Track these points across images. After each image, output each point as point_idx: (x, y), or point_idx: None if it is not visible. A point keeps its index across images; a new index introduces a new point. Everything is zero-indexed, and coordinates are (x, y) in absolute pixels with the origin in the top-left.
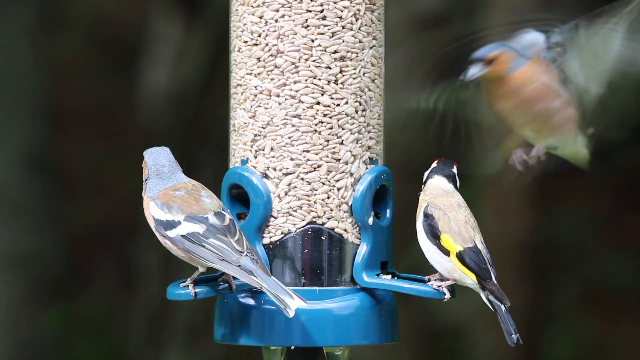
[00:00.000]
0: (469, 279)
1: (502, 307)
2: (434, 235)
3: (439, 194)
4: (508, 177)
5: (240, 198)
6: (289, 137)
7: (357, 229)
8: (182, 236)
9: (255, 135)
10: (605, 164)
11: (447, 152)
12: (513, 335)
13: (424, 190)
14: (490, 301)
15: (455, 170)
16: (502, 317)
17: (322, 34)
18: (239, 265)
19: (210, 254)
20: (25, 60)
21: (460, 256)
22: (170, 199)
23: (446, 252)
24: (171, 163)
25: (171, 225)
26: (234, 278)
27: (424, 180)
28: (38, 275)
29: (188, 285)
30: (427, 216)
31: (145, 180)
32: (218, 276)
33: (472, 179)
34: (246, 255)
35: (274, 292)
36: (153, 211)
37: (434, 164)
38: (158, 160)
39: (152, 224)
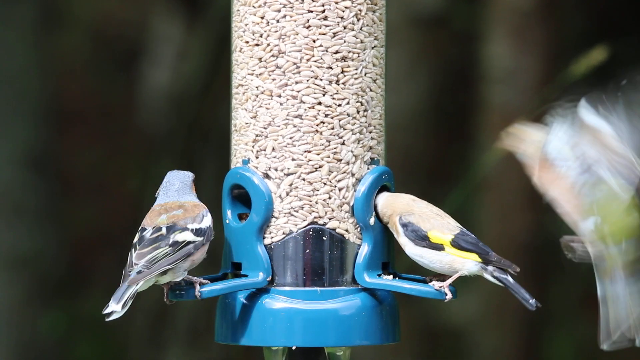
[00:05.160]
0: (471, 262)
1: (509, 278)
2: (422, 237)
3: (395, 202)
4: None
5: (241, 198)
6: (291, 138)
7: (359, 229)
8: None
9: (257, 135)
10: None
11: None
12: (531, 301)
13: (382, 209)
14: (496, 277)
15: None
16: (513, 288)
17: (324, 34)
18: (129, 274)
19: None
20: (26, 61)
21: (455, 243)
22: (148, 214)
23: (440, 247)
24: (183, 184)
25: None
26: (201, 285)
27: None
28: (40, 275)
29: None
30: (405, 225)
31: (156, 196)
32: (219, 277)
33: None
34: (139, 269)
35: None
36: None
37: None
38: (171, 179)
39: None
